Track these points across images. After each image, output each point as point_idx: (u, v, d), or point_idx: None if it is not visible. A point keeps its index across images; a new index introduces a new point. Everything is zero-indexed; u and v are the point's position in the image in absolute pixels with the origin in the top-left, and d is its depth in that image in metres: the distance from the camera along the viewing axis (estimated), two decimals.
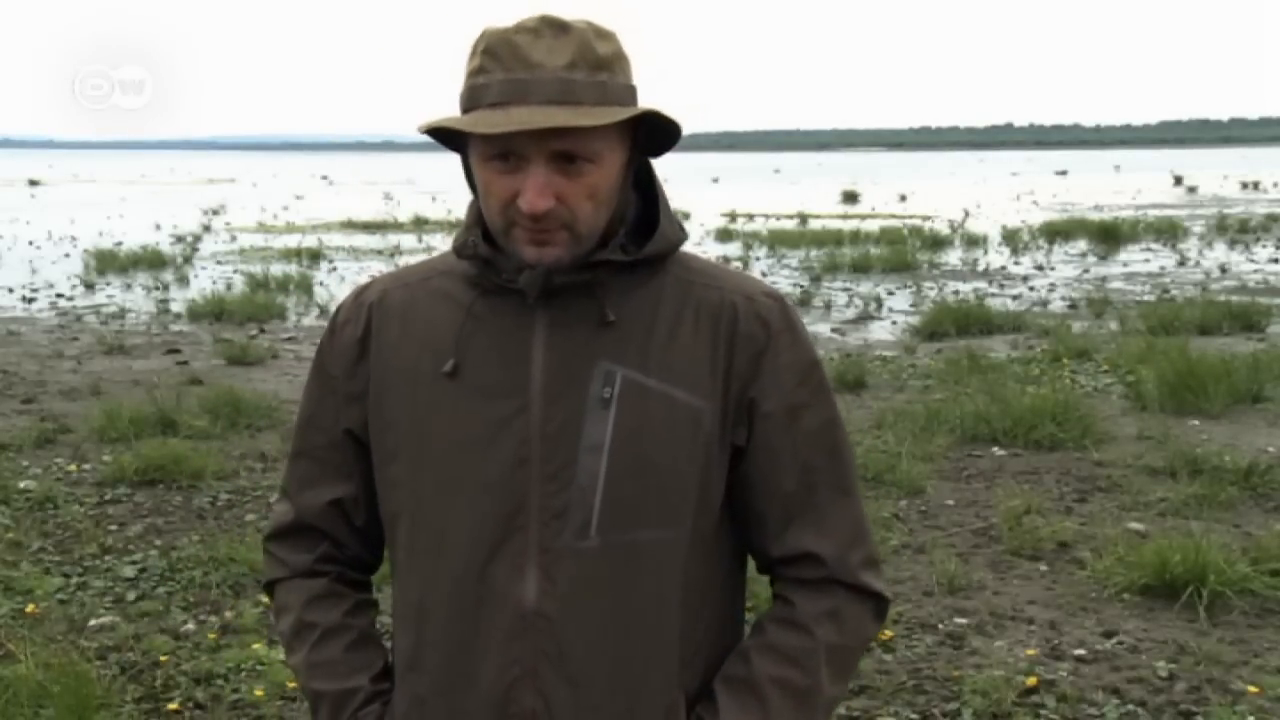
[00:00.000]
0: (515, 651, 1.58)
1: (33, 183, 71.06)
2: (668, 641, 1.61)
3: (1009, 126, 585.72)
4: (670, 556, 1.60)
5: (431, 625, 1.64)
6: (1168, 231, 27.92)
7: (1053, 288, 18.25)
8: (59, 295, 17.98)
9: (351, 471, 1.73)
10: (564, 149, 1.50)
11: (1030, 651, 4.86)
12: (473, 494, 1.59)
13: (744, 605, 1.76)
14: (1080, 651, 4.86)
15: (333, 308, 1.78)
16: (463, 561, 1.60)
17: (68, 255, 24.41)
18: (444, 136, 1.61)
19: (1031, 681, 4.55)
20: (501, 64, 1.51)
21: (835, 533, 1.65)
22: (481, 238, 1.61)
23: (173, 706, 4.43)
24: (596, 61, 1.52)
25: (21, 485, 7.20)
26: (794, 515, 1.64)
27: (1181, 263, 21.84)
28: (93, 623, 5.21)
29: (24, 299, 17.53)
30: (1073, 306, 16.08)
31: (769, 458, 1.63)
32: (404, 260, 22.04)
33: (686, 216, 33.68)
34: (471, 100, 1.53)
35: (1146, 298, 16.64)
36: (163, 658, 4.81)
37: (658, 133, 1.59)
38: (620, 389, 1.57)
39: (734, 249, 25.16)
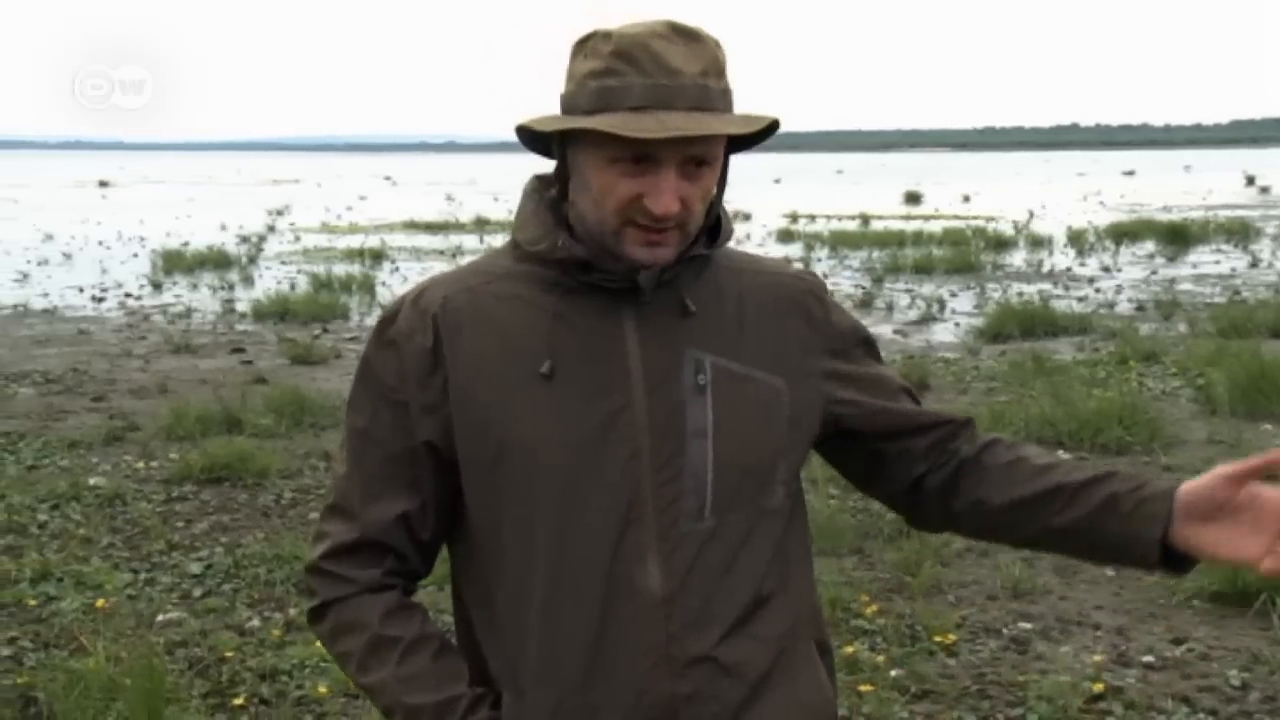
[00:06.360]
0: (649, 639, 1.60)
1: (103, 184, 72.35)
2: (787, 601, 1.70)
3: (1075, 126, 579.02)
4: (775, 526, 1.69)
5: (559, 629, 1.62)
6: (1239, 232, 27.36)
7: (1119, 289, 17.99)
8: (128, 295, 18.30)
9: (420, 484, 1.68)
10: (697, 154, 1.56)
11: (1097, 658, 4.79)
12: (590, 493, 1.60)
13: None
14: (1149, 658, 4.79)
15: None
16: (586, 560, 1.60)
17: (136, 255, 24.84)
18: (531, 136, 1.64)
19: (1099, 688, 4.49)
20: (639, 68, 1.54)
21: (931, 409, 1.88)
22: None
23: (238, 702, 4.49)
24: (721, 69, 1.59)
25: (91, 482, 7.33)
26: (914, 404, 1.84)
27: (1254, 264, 21.45)
28: (160, 618, 5.29)
29: (94, 298, 17.86)
30: (1140, 308, 15.84)
31: (872, 382, 1.79)
32: (465, 260, 22.18)
33: (748, 217, 33.60)
34: (603, 102, 1.54)
35: (1217, 299, 16.35)
36: (228, 653, 4.87)
37: (746, 137, 1.64)
38: (712, 374, 1.64)
39: (796, 250, 25.05)
